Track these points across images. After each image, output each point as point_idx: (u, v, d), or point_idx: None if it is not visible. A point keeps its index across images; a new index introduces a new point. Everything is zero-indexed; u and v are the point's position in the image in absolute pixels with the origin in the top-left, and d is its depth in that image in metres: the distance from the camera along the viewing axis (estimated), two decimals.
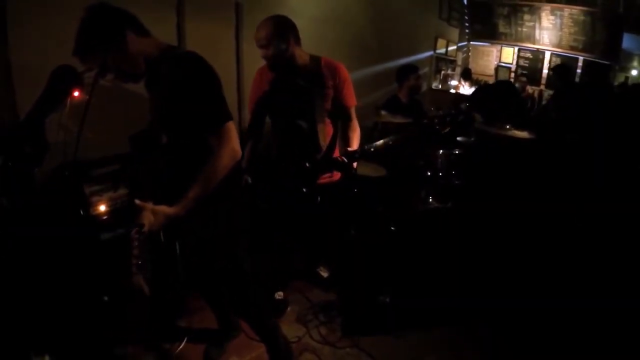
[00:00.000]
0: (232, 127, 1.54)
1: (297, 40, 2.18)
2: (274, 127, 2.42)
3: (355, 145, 2.37)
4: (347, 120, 2.38)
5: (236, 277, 1.78)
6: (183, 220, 1.49)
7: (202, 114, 1.50)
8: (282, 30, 2.11)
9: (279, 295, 2.58)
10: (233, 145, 1.53)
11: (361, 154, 2.28)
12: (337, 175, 2.39)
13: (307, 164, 2.21)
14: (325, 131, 2.28)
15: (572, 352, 2.29)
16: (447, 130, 2.41)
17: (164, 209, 1.45)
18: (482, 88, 6.76)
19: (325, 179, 2.32)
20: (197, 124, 1.51)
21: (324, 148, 2.26)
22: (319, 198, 2.20)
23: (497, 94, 4.15)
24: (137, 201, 1.44)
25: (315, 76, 2.23)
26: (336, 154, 2.37)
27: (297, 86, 2.23)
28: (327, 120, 2.31)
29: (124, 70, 1.54)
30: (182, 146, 1.59)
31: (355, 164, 2.37)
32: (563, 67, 5.05)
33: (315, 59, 2.27)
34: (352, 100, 2.36)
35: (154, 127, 1.65)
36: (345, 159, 2.23)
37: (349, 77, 2.32)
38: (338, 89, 2.29)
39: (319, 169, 2.25)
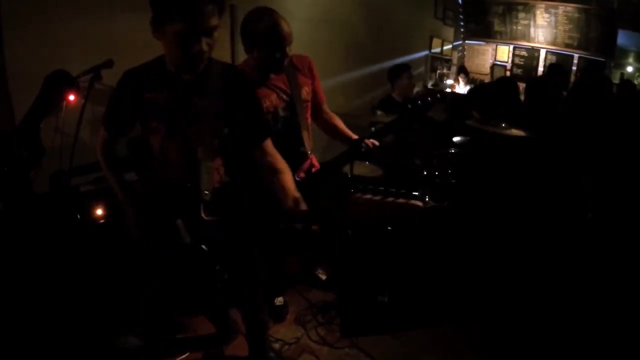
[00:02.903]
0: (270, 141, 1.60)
1: None
2: None
3: (349, 130, 2.22)
4: (327, 112, 2.25)
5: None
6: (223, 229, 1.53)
7: (255, 126, 1.56)
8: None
9: (279, 301, 2.57)
10: (276, 155, 1.59)
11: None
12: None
13: (297, 178, 2.02)
14: (309, 136, 2.10)
15: (571, 353, 2.30)
16: (430, 108, 2.28)
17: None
18: (481, 86, 6.76)
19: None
20: (248, 136, 1.56)
21: (310, 157, 2.12)
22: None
23: (498, 91, 4.14)
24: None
25: (291, 75, 2.03)
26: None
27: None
28: (309, 124, 2.13)
29: (205, 55, 1.37)
30: (226, 156, 1.59)
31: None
32: (555, 67, 5.03)
33: None
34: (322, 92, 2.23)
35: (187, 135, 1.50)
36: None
37: None
38: (314, 82, 2.13)
39: (317, 182, 2.09)
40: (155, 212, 1.55)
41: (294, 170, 1.98)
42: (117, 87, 1.48)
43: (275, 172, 1.56)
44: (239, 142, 1.56)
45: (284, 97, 1.99)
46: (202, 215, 1.47)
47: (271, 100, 1.95)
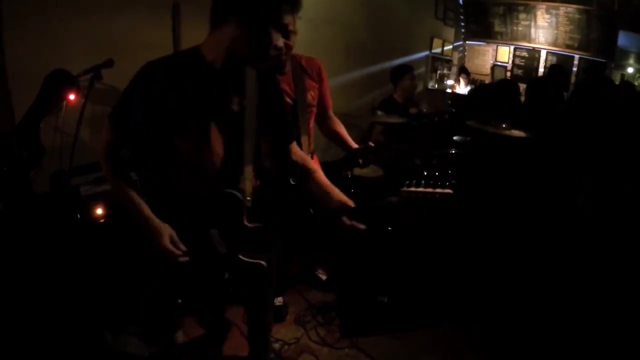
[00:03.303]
0: None
1: None
2: None
3: (350, 138, 2.20)
4: (332, 118, 2.23)
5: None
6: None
7: (285, 128, 1.55)
8: None
9: (279, 301, 2.57)
10: (304, 155, 1.59)
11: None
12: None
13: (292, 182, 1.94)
14: (308, 142, 2.04)
15: (570, 353, 2.29)
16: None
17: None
18: (482, 87, 6.75)
19: None
20: (280, 137, 1.54)
21: (313, 158, 2.05)
22: None
23: (499, 93, 4.14)
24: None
25: (297, 78, 1.97)
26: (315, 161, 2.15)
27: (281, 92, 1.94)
28: (310, 128, 2.06)
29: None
30: (258, 159, 1.53)
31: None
32: (556, 68, 5.02)
33: (292, 58, 1.97)
34: (330, 97, 2.19)
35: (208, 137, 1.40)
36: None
37: None
38: (321, 87, 2.09)
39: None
40: (189, 222, 1.39)
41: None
42: (136, 82, 1.27)
43: (308, 171, 1.54)
44: (273, 144, 1.54)
45: (287, 100, 1.94)
46: (245, 222, 1.38)
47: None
